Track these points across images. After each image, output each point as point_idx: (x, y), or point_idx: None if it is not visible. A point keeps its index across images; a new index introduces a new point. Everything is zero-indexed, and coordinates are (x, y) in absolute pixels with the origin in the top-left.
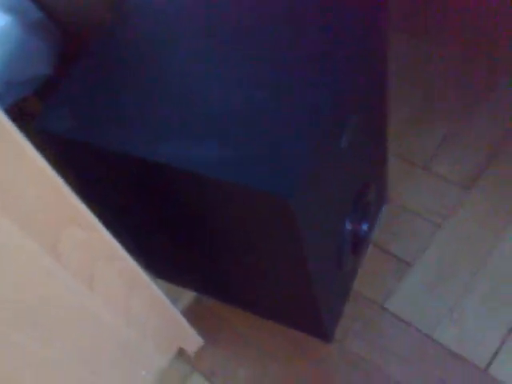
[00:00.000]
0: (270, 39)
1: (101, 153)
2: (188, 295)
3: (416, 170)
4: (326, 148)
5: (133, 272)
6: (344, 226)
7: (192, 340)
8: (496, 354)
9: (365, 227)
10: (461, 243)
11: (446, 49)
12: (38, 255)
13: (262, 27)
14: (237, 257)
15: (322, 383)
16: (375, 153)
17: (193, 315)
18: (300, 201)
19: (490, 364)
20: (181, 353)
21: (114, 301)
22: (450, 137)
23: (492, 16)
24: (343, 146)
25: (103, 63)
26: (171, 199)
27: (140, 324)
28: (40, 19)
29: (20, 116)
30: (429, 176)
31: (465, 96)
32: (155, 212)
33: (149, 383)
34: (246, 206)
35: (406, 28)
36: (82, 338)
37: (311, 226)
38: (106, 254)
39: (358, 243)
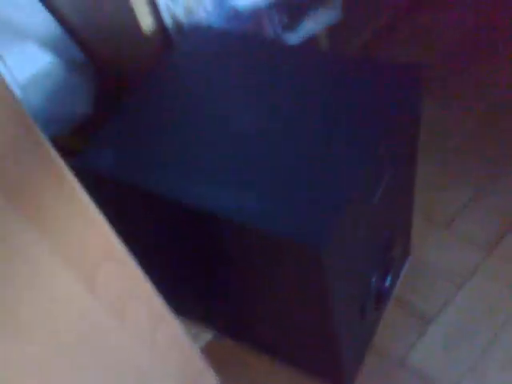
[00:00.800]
0: (312, 95)
1: (139, 193)
2: (206, 334)
3: (439, 229)
4: (359, 203)
5: (159, 307)
6: (369, 279)
7: (209, 381)
8: None
9: (388, 281)
10: (481, 304)
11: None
12: (75, 289)
13: (308, 85)
14: (263, 302)
15: None
16: (402, 208)
17: (211, 354)
18: (331, 252)
19: None
20: None
21: (141, 334)
22: (475, 199)
23: None
24: (375, 201)
25: (147, 107)
26: (204, 242)
27: (163, 361)
28: (81, 59)
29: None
30: (451, 235)
31: (492, 160)
32: (185, 252)
33: None
34: (279, 255)
35: (432, 92)
36: (103, 367)
37: (339, 278)
38: (138, 291)
39: (381, 296)
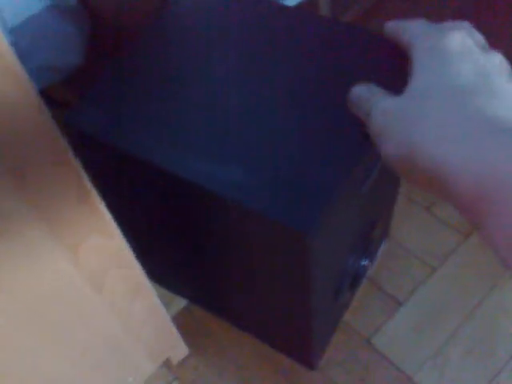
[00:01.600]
0: (308, 65)
1: (125, 157)
2: (178, 303)
3: (419, 211)
4: (348, 191)
5: (139, 279)
6: (347, 261)
7: (178, 349)
8: None
9: (365, 263)
10: (453, 289)
11: None
12: (58, 256)
13: (305, 54)
14: (240, 276)
15: None
16: (388, 195)
17: (181, 324)
18: (316, 239)
19: None
20: (165, 361)
21: (119, 306)
22: None
23: None
24: (364, 191)
25: (140, 65)
26: (186, 212)
27: (136, 330)
28: (75, 7)
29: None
30: (430, 218)
31: None
32: (166, 219)
33: None
34: (261, 233)
35: None
36: (77, 337)
37: (321, 263)
38: (118, 261)
39: (357, 277)
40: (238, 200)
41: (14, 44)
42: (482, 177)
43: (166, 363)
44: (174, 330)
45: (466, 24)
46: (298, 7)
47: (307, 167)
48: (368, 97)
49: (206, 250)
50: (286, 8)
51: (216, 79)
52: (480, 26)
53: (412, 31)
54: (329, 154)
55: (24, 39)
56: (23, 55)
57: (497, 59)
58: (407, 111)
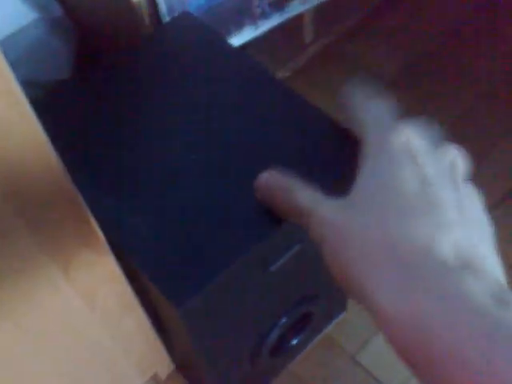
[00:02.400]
0: (253, 132)
1: None
2: None
3: None
4: (250, 269)
5: (127, 295)
6: (265, 333)
7: (165, 365)
8: None
9: (294, 340)
10: None
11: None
12: (50, 271)
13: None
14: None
15: None
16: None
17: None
18: (194, 315)
19: None
20: (153, 376)
21: (110, 322)
22: None
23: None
24: (272, 270)
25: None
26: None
27: (127, 345)
28: (61, 18)
29: None
30: None
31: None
32: None
33: None
34: (153, 289)
35: (405, 85)
36: (71, 354)
37: (208, 331)
38: (109, 277)
39: (283, 350)
40: (127, 252)
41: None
42: (413, 330)
43: (154, 378)
44: (160, 346)
45: (420, 122)
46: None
47: (208, 240)
48: (306, 203)
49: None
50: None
51: (159, 129)
52: (480, 28)
53: (367, 118)
54: (234, 230)
55: (12, 52)
56: (11, 68)
57: (446, 161)
58: (341, 225)
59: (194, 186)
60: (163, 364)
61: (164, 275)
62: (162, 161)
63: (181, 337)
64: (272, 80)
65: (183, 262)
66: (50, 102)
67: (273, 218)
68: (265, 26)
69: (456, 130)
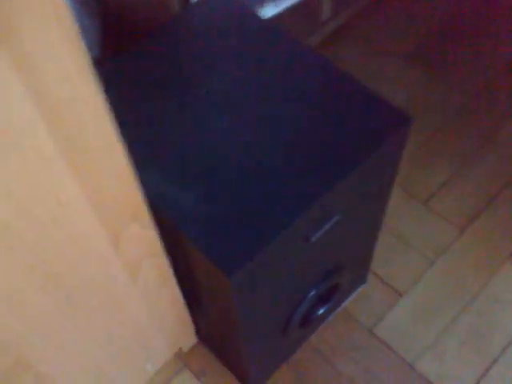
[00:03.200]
0: (294, 102)
1: None
2: None
3: (417, 204)
4: (293, 239)
5: (166, 270)
6: (297, 305)
7: (189, 337)
8: None
9: (321, 310)
10: (451, 281)
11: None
12: (102, 243)
13: (293, 91)
14: (195, 290)
15: None
16: (360, 241)
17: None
18: (243, 284)
19: None
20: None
21: (148, 295)
22: (455, 177)
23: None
24: (313, 240)
25: (138, 68)
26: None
27: (160, 318)
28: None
29: None
30: (428, 212)
31: (476, 141)
32: None
33: (149, 377)
34: (200, 260)
35: (420, 63)
36: (108, 322)
37: (251, 302)
38: (152, 251)
39: (311, 320)
40: (177, 224)
41: None
42: None
43: (177, 351)
44: (189, 320)
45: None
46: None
47: (257, 212)
48: None
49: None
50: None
51: (200, 106)
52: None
53: None
54: (281, 201)
55: None
56: None
57: None
58: None
59: (239, 160)
60: (189, 338)
61: (214, 246)
62: (206, 136)
63: (222, 307)
64: (306, 50)
65: (232, 234)
66: None
67: (316, 188)
68: (284, 4)
69: (470, 106)
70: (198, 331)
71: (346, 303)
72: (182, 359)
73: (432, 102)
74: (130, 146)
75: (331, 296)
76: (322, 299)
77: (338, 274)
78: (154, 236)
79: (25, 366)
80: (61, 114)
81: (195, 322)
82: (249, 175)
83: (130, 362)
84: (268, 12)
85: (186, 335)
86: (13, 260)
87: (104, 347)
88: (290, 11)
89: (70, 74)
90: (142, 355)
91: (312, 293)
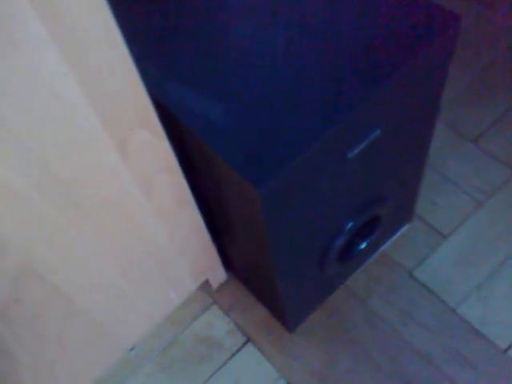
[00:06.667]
0: (328, 23)
1: None
2: None
3: (465, 143)
4: (328, 154)
5: (184, 189)
6: (334, 236)
7: (218, 273)
8: None
9: (362, 245)
10: (499, 224)
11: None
12: (109, 150)
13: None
14: (224, 218)
15: (341, 335)
16: (404, 170)
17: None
18: (273, 198)
19: (510, 347)
20: (204, 285)
21: (165, 214)
22: (506, 116)
23: None
24: (350, 157)
25: None
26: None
27: (182, 243)
28: None
29: None
30: (477, 151)
31: None
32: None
33: (173, 306)
34: (227, 176)
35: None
36: (125, 242)
37: (283, 222)
38: (166, 166)
39: (351, 255)
40: (203, 137)
41: None
42: None
43: (206, 288)
44: (214, 250)
45: None
46: None
47: (285, 124)
48: None
49: (200, 186)
50: None
51: (225, 17)
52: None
53: None
54: (312, 112)
55: None
56: None
57: None
58: None
59: (270, 68)
60: (215, 272)
61: (242, 158)
62: (233, 43)
63: (252, 229)
64: None
65: (262, 145)
66: None
67: (352, 100)
68: None
69: (486, 76)
70: (229, 264)
71: (388, 245)
72: (211, 296)
73: (483, 35)
74: (148, 57)
75: (372, 231)
76: (363, 234)
77: (379, 205)
78: (167, 148)
79: (34, 274)
80: None
81: (226, 253)
82: (281, 84)
83: (153, 287)
84: None
85: (212, 268)
86: (10, 156)
87: (124, 268)
88: None
89: None
90: (165, 281)
91: (351, 223)
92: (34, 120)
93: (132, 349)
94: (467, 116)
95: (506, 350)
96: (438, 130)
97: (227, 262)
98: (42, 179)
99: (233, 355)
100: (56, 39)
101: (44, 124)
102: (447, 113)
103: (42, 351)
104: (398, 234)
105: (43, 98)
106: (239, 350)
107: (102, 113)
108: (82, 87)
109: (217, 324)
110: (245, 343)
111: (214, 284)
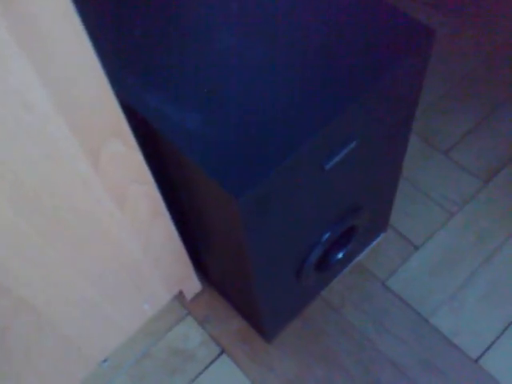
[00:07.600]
0: (303, 35)
1: None
2: None
3: (437, 154)
4: (305, 165)
5: (157, 200)
6: (312, 246)
7: (192, 284)
8: (489, 348)
9: (339, 254)
10: (471, 235)
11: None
12: (79, 160)
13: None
14: (201, 229)
15: (315, 345)
16: (379, 180)
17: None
18: (251, 209)
19: (481, 356)
20: (179, 296)
21: (139, 226)
22: (476, 129)
23: None
24: (327, 168)
25: None
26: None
27: (155, 254)
28: None
29: None
30: (449, 162)
31: (501, 89)
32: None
33: (147, 318)
34: (205, 185)
35: (446, 10)
36: (96, 253)
37: (262, 232)
38: (139, 176)
39: (328, 265)
40: (181, 147)
41: None
42: None
43: (180, 299)
44: (188, 261)
45: None
46: None
47: (264, 134)
48: None
49: (176, 198)
50: None
51: (206, 22)
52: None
53: None
54: (290, 124)
55: None
56: None
57: None
58: None
59: (247, 79)
60: (190, 283)
61: (221, 168)
62: (211, 54)
63: (231, 240)
64: None
65: (240, 156)
66: None
67: (328, 111)
68: None
69: (497, 56)
70: (206, 274)
71: (364, 255)
72: (185, 307)
73: (458, 48)
74: (126, 66)
75: (349, 241)
76: (340, 244)
77: (355, 216)
78: (140, 159)
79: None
80: None
81: (202, 264)
82: (258, 95)
83: (126, 299)
84: None
85: (186, 279)
86: None
87: (94, 280)
88: None
89: None
90: (138, 293)
91: (328, 233)
92: (3, 131)
93: (105, 360)
94: (439, 128)
95: (477, 360)
96: (411, 140)
97: (203, 272)
98: (12, 192)
99: (206, 367)
100: (25, 48)
101: (14, 135)
102: (419, 124)
103: (9, 364)
104: (374, 243)
105: (12, 108)
106: (213, 361)
107: (72, 122)
108: (51, 97)
109: (191, 335)
110: (219, 354)
111: (189, 295)
